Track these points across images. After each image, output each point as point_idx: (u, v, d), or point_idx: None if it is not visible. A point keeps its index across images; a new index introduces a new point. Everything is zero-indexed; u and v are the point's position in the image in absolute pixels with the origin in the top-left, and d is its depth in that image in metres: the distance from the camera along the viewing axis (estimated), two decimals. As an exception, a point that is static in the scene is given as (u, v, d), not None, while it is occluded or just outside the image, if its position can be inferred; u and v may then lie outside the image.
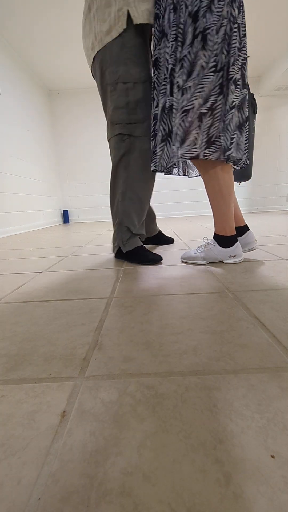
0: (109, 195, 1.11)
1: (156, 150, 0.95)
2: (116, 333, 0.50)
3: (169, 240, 1.48)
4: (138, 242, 1.10)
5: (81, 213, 4.36)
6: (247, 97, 0.86)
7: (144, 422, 0.30)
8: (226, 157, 0.86)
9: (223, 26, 0.78)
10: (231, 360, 0.40)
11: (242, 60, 0.83)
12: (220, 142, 0.86)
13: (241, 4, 0.80)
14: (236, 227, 1.07)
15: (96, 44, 0.92)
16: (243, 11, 0.81)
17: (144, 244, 1.35)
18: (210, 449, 0.26)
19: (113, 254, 1.27)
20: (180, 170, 1.16)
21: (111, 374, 0.38)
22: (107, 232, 2.38)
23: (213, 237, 1.01)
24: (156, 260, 1.05)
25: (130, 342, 0.47)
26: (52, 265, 1.12)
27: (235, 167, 1.01)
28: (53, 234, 2.45)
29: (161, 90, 0.88)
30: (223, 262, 0.99)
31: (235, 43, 0.79)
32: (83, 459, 0.26)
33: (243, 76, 0.84)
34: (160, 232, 1.47)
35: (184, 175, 1.18)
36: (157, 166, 0.96)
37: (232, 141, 0.84)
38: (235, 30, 0.78)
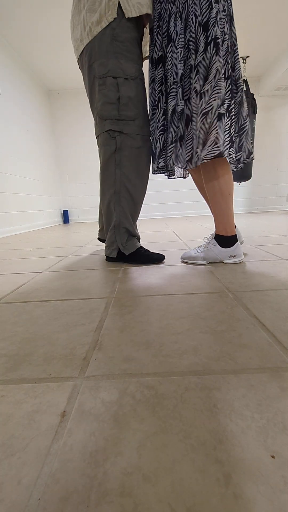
0: (99, 194, 1.06)
1: (164, 148, 0.96)
2: (116, 333, 0.50)
3: None
4: (137, 243, 1.08)
5: (81, 213, 4.36)
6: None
7: (144, 422, 0.30)
8: (250, 159, 0.93)
9: (226, 40, 0.84)
10: (231, 360, 0.40)
11: (240, 75, 0.90)
12: (241, 143, 0.91)
13: (234, 23, 0.88)
14: None
15: (85, 35, 0.89)
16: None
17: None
18: (210, 449, 0.26)
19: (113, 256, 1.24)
20: (181, 172, 1.17)
21: (111, 374, 0.38)
22: (107, 232, 2.37)
23: (214, 238, 1.01)
24: (160, 259, 1.05)
25: (130, 342, 0.47)
26: (52, 265, 1.12)
27: (236, 167, 1.04)
28: (53, 234, 2.45)
29: (170, 92, 0.89)
30: (223, 262, 1.00)
31: (238, 58, 0.86)
32: (83, 459, 0.26)
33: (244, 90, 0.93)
34: None
35: (182, 176, 1.19)
36: (168, 163, 0.96)
37: (252, 146, 0.92)
38: (237, 47, 0.86)
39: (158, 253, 1.07)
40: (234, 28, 0.86)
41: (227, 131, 0.88)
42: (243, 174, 3.20)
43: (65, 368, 0.40)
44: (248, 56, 3.39)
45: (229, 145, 0.89)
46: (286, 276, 0.78)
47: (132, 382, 0.36)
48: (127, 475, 0.24)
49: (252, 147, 0.95)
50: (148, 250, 1.08)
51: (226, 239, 0.98)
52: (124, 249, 1.05)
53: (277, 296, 0.64)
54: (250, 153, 0.94)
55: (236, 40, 0.87)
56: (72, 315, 0.60)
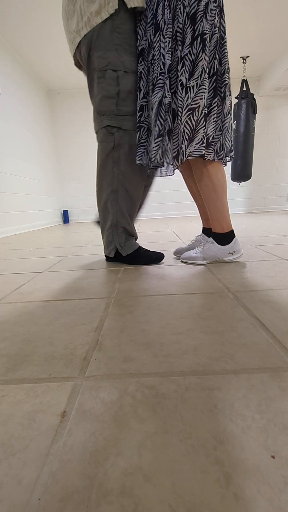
0: (96, 192, 1.04)
1: (144, 144, 0.92)
2: (116, 333, 0.50)
3: None
4: (136, 244, 1.06)
5: (81, 213, 4.36)
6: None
7: (145, 422, 0.30)
8: (228, 158, 0.91)
9: (215, 34, 0.81)
10: (232, 360, 0.40)
11: (228, 69, 0.86)
12: (215, 143, 0.89)
13: (224, 14, 0.84)
14: (207, 228, 1.12)
15: (83, 26, 0.84)
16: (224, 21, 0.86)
17: None
18: (211, 449, 0.26)
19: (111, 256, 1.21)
20: (170, 170, 1.11)
21: (111, 374, 0.38)
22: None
23: (211, 236, 1.01)
24: (159, 259, 1.04)
25: (130, 342, 0.47)
26: (52, 265, 1.12)
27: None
28: (53, 234, 2.45)
29: (157, 83, 0.86)
30: (224, 260, 1.00)
31: (225, 52, 0.84)
32: (83, 459, 0.26)
33: (229, 84, 0.89)
34: None
35: (168, 175, 1.13)
36: (143, 159, 0.93)
37: (232, 144, 0.89)
38: (225, 40, 0.83)
39: (157, 253, 1.06)
40: (224, 21, 0.84)
41: (207, 132, 0.87)
42: (243, 174, 3.20)
43: (65, 368, 0.40)
44: (248, 56, 3.39)
45: (204, 145, 0.88)
46: (286, 276, 0.78)
47: (133, 382, 0.36)
48: (128, 475, 0.24)
49: (232, 145, 0.91)
50: (147, 250, 1.08)
51: (223, 236, 0.98)
52: (122, 249, 1.03)
53: (277, 296, 0.64)
54: (230, 150, 0.91)
55: (224, 33, 0.84)
56: (72, 315, 0.60)
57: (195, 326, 0.51)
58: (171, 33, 0.82)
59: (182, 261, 1.05)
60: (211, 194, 0.95)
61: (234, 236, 0.99)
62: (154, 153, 0.89)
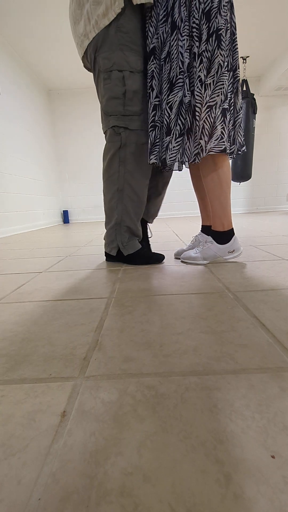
0: (102, 191, 1.05)
1: (159, 144, 0.92)
2: (116, 333, 0.50)
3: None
4: (138, 245, 1.06)
5: (81, 213, 4.36)
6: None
7: (144, 422, 0.30)
8: (242, 152, 0.94)
9: (228, 29, 0.82)
10: (231, 360, 0.40)
11: (238, 65, 0.88)
12: (234, 136, 0.92)
13: (234, 12, 0.85)
14: (207, 226, 1.12)
15: (91, 29, 0.84)
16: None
17: None
18: (210, 449, 0.26)
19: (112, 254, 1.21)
20: (177, 164, 1.11)
21: (111, 374, 0.38)
22: (107, 232, 2.37)
23: (210, 234, 1.01)
24: (159, 259, 1.04)
25: (130, 342, 0.47)
26: (52, 265, 1.12)
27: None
28: (53, 234, 2.45)
29: (176, 83, 0.85)
30: (224, 259, 1.00)
31: (237, 48, 0.85)
32: (83, 459, 0.26)
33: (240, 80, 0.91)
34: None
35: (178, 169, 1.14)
36: (158, 159, 0.93)
37: (244, 138, 0.91)
38: (236, 36, 0.84)
39: (157, 254, 1.06)
40: (234, 16, 0.84)
41: (228, 127, 0.89)
42: (243, 174, 3.20)
43: (65, 368, 0.40)
44: (248, 56, 3.40)
45: (230, 142, 0.91)
46: (286, 276, 0.78)
47: (132, 382, 0.36)
48: (128, 475, 0.24)
49: (244, 139, 0.94)
50: (149, 251, 1.07)
51: (222, 235, 0.98)
52: (124, 249, 1.03)
53: (277, 296, 0.64)
54: (242, 145, 0.93)
55: (235, 29, 0.85)
56: (72, 315, 0.60)
57: (195, 326, 0.51)
58: (188, 31, 0.82)
59: (182, 261, 1.05)
60: (216, 189, 0.94)
61: (234, 234, 0.99)
62: (175, 152, 0.89)
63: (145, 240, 1.18)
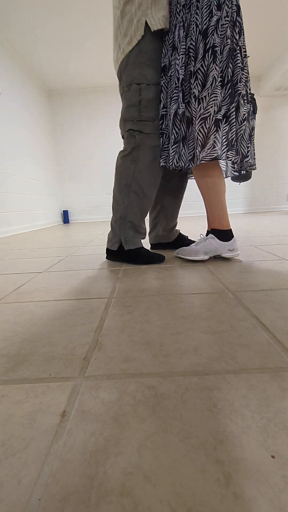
0: (112, 189, 1.10)
1: (167, 148, 1.02)
2: (116, 333, 0.50)
3: (184, 241, 1.34)
4: (140, 242, 1.08)
5: (81, 213, 4.36)
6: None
7: (144, 422, 0.30)
8: (245, 163, 0.98)
9: (227, 45, 0.87)
10: (232, 360, 0.40)
11: (245, 78, 0.92)
12: (237, 147, 0.95)
13: (241, 29, 0.89)
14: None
15: (120, 55, 1.00)
16: (243, 35, 0.90)
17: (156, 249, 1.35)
18: (210, 449, 0.26)
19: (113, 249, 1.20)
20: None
21: (111, 374, 0.38)
22: (107, 232, 2.38)
23: (211, 232, 1.05)
24: (160, 259, 1.06)
25: (130, 342, 0.47)
26: (52, 265, 1.12)
27: (237, 172, 1.11)
28: (53, 234, 2.45)
29: (173, 97, 0.96)
30: (222, 256, 1.03)
31: (239, 62, 0.88)
32: (83, 459, 0.26)
33: (247, 93, 0.94)
34: (178, 236, 1.37)
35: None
36: (167, 162, 1.03)
37: (249, 150, 0.95)
38: (238, 51, 0.88)
39: (158, 254, 1.07)
40: (237, 34, 0.88)
41: (225, 136, 0.93)
42: (243, 174, 3.20)
43: (65, 368, 0.40)
44: (248, 56, 3.39)
45: (227, 148, 0.93)
46: (286, 276, 0.78)
47: (132, 382, 0.36)
48: (127, 475, 0.24)
49: (249, 151, 0.95)
50: (148, 251, 1.09)
51: (223, 233, 1.03)
52: (125, 243, 1.05)
53: (277, 296, 0.64)
54: (244, 156, 0.95)
55: (237, 45, 0.88)
56: (72, 315, 0.60)
57: (195, 326, 0.51)
58: (184, 50, 0.91)
59: (181, 257, 1.07)
60: (210, 192, 1.01)
61: (233, 235, 1.05)
62: (172, 158, 1.00)
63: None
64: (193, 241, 1.33)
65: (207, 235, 1.17)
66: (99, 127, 4.12)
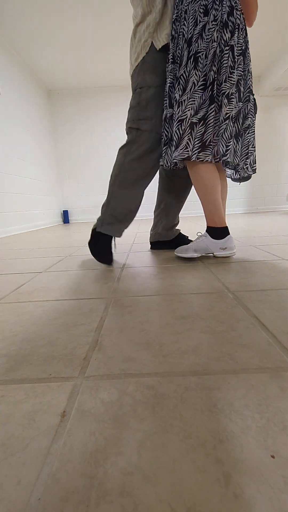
0: None
1: (163, 150, 1.08)
2: (116, 333, 0.50)
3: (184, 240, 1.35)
4: (116, 233, 1.11)
5: (81, 213, 4.36)
6: (247, 109, 0.98)
7: (144, 422, 0.30)
8: (223, 162, 0.98)
9: (213, 48, 0.89)
10: (231, 360, 0.40)
11: (238, 76, 0.92)
12: (213, 147, 0.97)
13: (237, 27, 0.90)
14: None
15: (131, 71, 1.11)
16: (240, 33, 0.90)
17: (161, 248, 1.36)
18: (210, 449, 0.26)
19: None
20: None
21: (111, 374, 0.38)
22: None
23: (206, 230, 1.07)
24: (107, 261, 1.08)
25: (130, 342, 0.47)
26: (52, 265, 1.12)
27: (234, 176, 1.12)
28: (53, 234, 2.45)
29: (164, 103, 1.03)
30: (215, 255, 1.04)
31: (227, 62, 0.89)
32: (83, 459, 0.26)
33: (239, 91, 0.95)
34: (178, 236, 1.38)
35: None
36: (162, 161, 1.08)
37: (228, 148, 0.95)
38: (227, 51, 0.89)
39: (110, 257, 1.08)
40: (227, 33, 0.89)
41: (199, 138, 0.95)
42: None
43: (65, 368, 0.40)
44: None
45: (198, 150, 0.95)
46: (286, 276, 0.78)
47: (132, 382, 0.36)
48: (127, 475, 0.24)
49: (228, 150, 0.95)
50: (110, 245, 1.10)
51: (216, 230, 1.03)
52: (100, 226, 1.09)
53: (277, 296, 0.64)
54: (222, 155, 0.95)
55: (226, 45, 0.89)
56: (72, 315, 0.60)
57: (194, 326, 0.51)
58: (172, 58, 0.97)
59: (176, 255, 1.09)
60: (201, 189, 1.03)
61: (229, 233, 1.04)
62: (162, 158, 1.07)
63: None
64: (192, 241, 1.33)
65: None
66: (99, 127, 4.11)
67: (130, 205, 1.11)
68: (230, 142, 0.95)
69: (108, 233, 1.10)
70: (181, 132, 0.95)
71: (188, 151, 0.95)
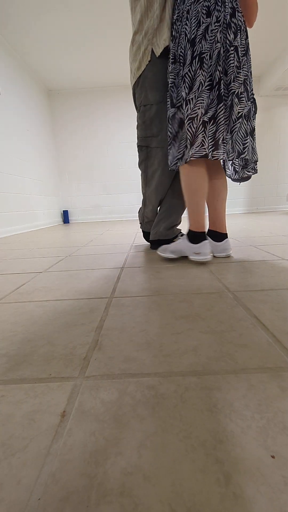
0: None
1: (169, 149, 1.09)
2: (116, 333, 0.50)
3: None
4: (146, 227, 1.39)
5: (81, 213, 4.36)
6: (252, 109, 0.99)
7: (144, 422, 0.30)
8: (241, 159, 1.01)
9: (217, 49, 0.90)
10: (231, 360, 0.40)
11: (244, 76, 0.93)
12: (226, 145, 0.97)
13: (239, 29, 0.91)
14: (214, 231, 1.14)
15: (132, 79, 1.18)
16: (242, 34, 0.92)
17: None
18: (210, 449, 0.26)
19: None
20: None
21: (111, 374, 0.38)
22: (107, 232, 2.38)
23: (206, 233, 1.06)
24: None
25: (130, 342, 0.47)
26: (52, 265, 1.12)
27: (246, 174, 1.11)
28: (53, 234, 2.45)
29: (167, 101, 1.05)
30: (189, 258, 1.04)
31: (233, 62, 0.90)
32: (83, 459, 0.26)
33: (247, 91, 0.95)
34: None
35: None
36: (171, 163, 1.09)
37: (246, 146, 0.97)
38: (232, 52, 0.90)
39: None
40: (231, 34, 0.89)
41: (211, 137, 0.95)
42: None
43: (65, 368, 0.40)
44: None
45: (213, 148, 0.95)
46: (286, 276, 0.78)
47: (132, 382, 0.36)
48: (127, 475, 0.24)
49: (245, 148, 0.96)
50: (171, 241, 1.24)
51: (193, 235, 1.03)
52: (142, 225, 1.43)
53: (277, 296, 0.64)
54: (240, 153, 0.97)
55: (231, 46, 0.90)
56: (72, 315, 0.60)
57: (195, 326, 0.51)
58: (173, 58, 0.98)
59: (158, 254, 1.13)
60: (186, 191, 1.04)
61: (205, 239, 1.02)
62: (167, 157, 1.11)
63: None
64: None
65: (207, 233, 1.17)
66: (99, 127, 4.11)
67: (151, 205, 1.34)
68: (247, 139, 0.96)
69: (146, 230, 1.44)
70: (193, 130, 0.94)
71: (204, 148, 0.95)
